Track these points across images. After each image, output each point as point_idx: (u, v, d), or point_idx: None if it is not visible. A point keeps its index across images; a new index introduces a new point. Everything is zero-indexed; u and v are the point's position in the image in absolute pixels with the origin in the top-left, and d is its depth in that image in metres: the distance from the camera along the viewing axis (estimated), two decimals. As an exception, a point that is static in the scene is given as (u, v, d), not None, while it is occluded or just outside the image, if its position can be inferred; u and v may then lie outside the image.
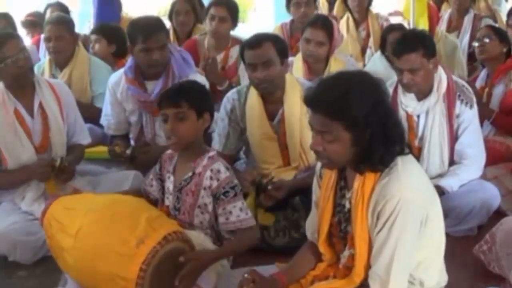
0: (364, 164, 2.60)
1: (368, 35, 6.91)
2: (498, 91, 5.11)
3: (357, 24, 7.00)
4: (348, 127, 2.54)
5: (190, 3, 6.61)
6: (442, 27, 6.94)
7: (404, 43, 4.17)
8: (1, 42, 3.99)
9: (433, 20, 6.56)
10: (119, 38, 5.92)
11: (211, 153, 3.34)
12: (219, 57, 5.74)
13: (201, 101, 3.31)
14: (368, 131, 2.53)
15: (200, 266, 3.03)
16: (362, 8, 6.94)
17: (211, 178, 3.25)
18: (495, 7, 8.43)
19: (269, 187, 3.91)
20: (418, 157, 4.22)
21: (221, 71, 5.69)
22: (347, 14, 7.08)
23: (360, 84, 2.60)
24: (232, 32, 5.88)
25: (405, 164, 2.60)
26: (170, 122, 3.24)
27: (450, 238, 3.01)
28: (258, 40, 4.03)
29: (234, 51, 5.71)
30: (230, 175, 3.28)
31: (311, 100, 2.63)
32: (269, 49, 3.99)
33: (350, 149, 2.58)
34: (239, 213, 3.24)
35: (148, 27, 4.37)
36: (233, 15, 5.75)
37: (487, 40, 5.25)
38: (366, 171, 2.62)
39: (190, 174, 3.30)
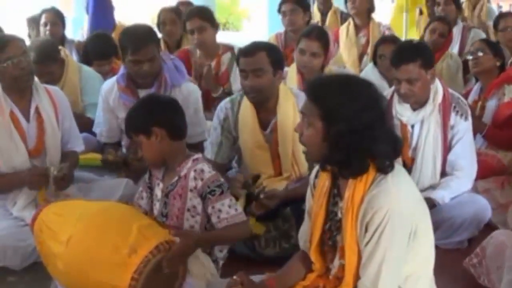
0: (327, 160, 2.66)
1: (367, 42, 6.89)
2: (491, 105, 5.11)
3: (357, 29, 6.98)
4: (321, 116, 2.58)
5: (176, 12, 6.63)
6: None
7: (402, 54, 4.20)
8: (4, 43, 3.99)
9: (447, 41, 6.60)
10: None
11: (196, 156, 3.33)
12: (211, 64, 5.73)
13: (141, 124, 3.28)
14: (336, 128, 2.55)
15: (185, 246, 3.04)
16: (360, 12, 6.91)
17: (195, 178, 3.23)
18: (489, 23, 8.47)
19: (261, 196, 3.91)
20: (411, 167, 4.27)
21: (215, 78, 5.69)
22: (349, 19, 7.08)
23: (353, 86, 2.64)
24: (226, 40, 5.87)
25: (395, 176, 2.61)
26: (140, 148, 3.33)
27: (440, 251, 3.02)
28: (252, 48, 4.05)
29: (226, 58, 5.76)
30: (215, 174, 3.27)
31: (307, 83, 2.73)
32: (262, 58, 4.00)
33: (322, 142, 2.60)
34: (228, 209, 3.22)
35: (138, 40, 4.34)
36: (210, 21, 5.70)
37: (480, 54, 5.27)
38: (329, 170, 2.71)
39: (176, 178, 3.30)
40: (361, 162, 2.60)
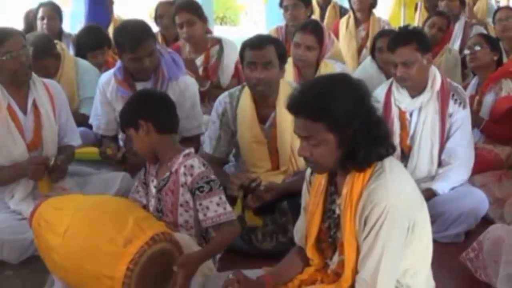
0: (349, 162, 2.61)
1: (367, 35, 6.90)
2: (489, 99, 5.13)
3: (357, 23, 6.99)
4: (330, 128, 2.56)
5: (173, 6, 6.61)
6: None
7: (399, 37, 4.32)
8: (4, 36, 3.97)
9: (445, 36, 6.61)
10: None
11: (187, 151, 3.34)
12: (200, 58, 5.77)
13: (129, 117, 3.36)
14: (350, 130, 2.55)
15: (190, 270, 3.02)
16: (363, 7, 6.92)
17: (185, 174, 3.24)
18: (488, 19, 8.47)
19: (262, 188, 3.90)
20: (409, 155, 4.34)
21: (203, 72, 5.72)
22: (349, 13, 7.10)
23: (338, 85, 2.63)
24: (224, 34, 5.87)
25: (392, 170, 2.61)
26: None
27: (438, 245, 3.02)
28: (261, 41, 4.05)
29: (214, 51, 5.80)
30: (204, 170, 3.26)
31: (292, 104, 2.67)
32: (271, 51, 4.00)
33: (336, 150, 2.59)
34: (216, 208, 3.21)
35: (135, 37, 4.30)
36: (198, 15, 5.70)
37: (477, 48, 5.27)
38: (352, 170, 2.63)
39: (167, 173, 3.31)
40: (377, 149, 2.60)
